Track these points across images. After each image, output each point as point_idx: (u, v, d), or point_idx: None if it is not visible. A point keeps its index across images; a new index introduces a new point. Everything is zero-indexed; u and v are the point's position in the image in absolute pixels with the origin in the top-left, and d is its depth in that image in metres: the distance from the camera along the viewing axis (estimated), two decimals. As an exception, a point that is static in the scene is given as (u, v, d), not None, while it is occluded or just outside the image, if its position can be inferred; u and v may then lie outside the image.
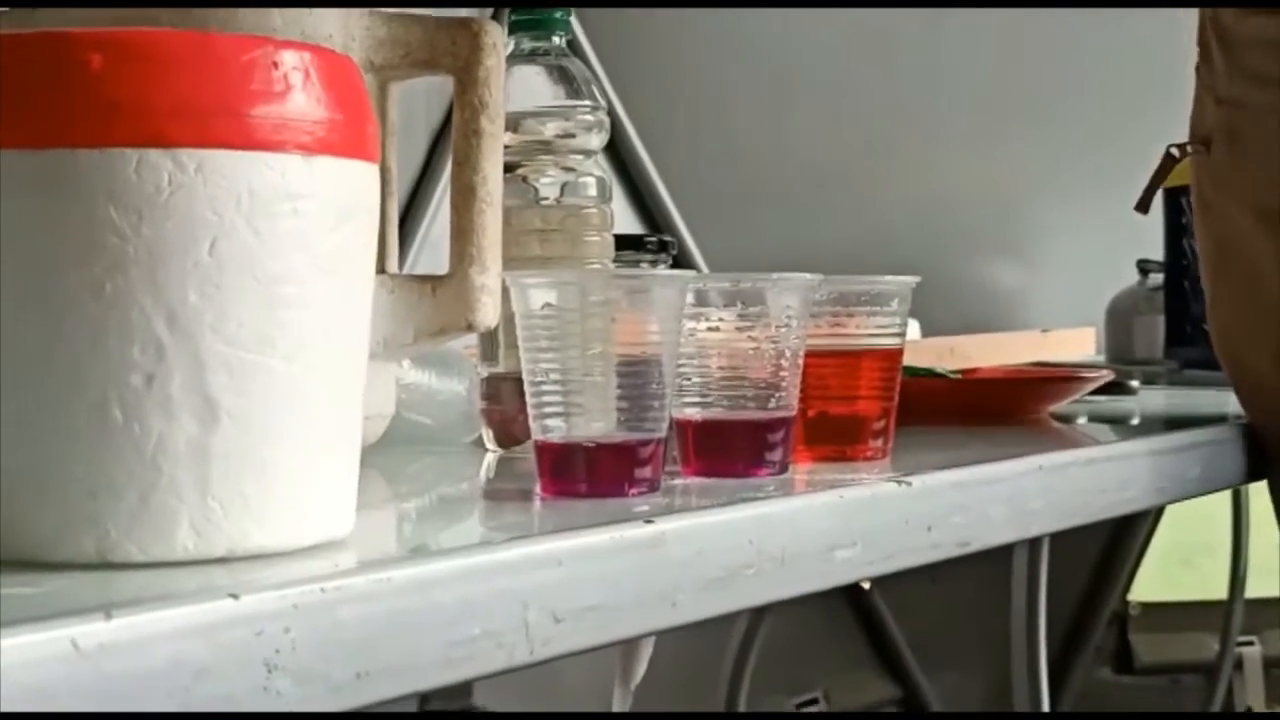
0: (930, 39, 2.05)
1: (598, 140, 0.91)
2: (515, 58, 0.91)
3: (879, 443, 0.83)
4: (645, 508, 0.64)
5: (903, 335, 0.84)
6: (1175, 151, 1.25)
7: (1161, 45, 2.12)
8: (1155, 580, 2.59)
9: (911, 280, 0.84)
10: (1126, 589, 2.56)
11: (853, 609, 2.19)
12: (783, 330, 0.76)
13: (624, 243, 1.02)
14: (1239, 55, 1.05)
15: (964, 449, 0.89)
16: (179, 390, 0.50)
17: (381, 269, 0.85)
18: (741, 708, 1.73)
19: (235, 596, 0.45)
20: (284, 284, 0.52)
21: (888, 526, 0.71)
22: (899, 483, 0.72)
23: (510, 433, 0.89)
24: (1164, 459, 0.95)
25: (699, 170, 1.93)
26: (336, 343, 0.54)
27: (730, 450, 0.76)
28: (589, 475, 0.68)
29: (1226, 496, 2.44)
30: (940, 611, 2.28)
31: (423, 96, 1.74)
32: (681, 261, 1.81)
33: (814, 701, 2.10)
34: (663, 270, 1.06)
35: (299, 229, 0.52)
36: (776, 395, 0.76)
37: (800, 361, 0.77)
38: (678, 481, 0.73)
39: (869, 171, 2.07)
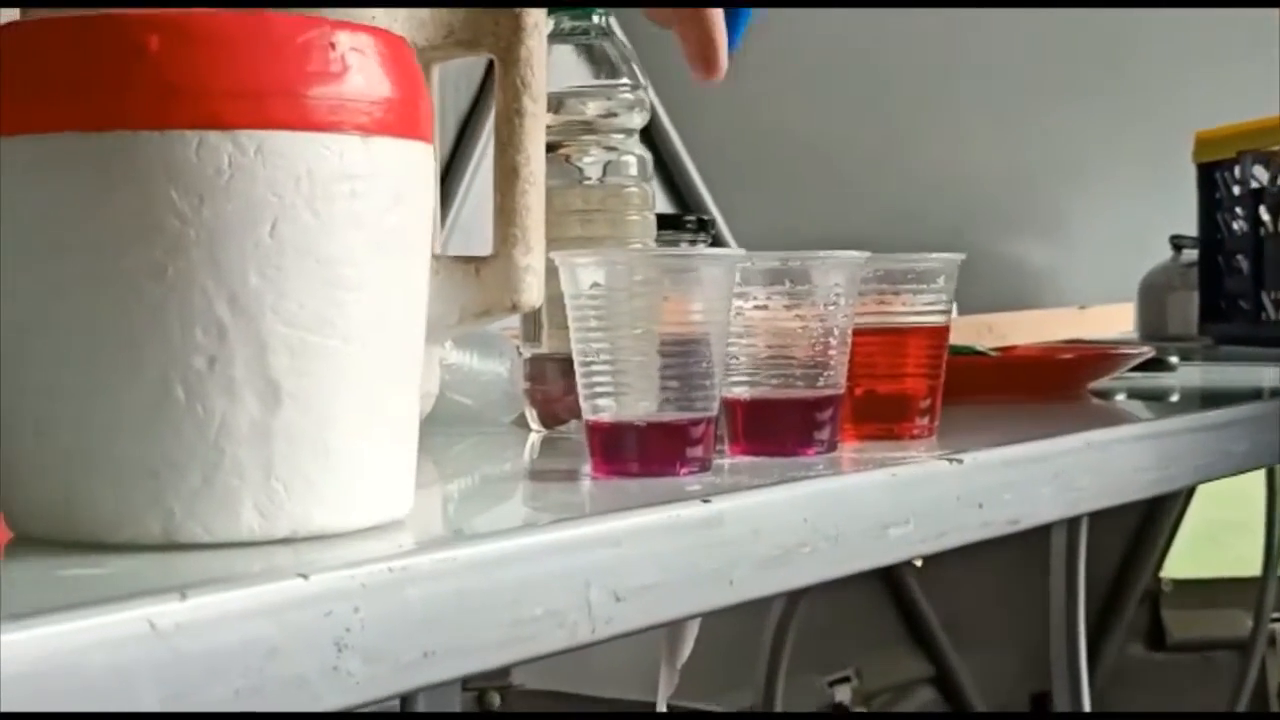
0: (963, 16, 2.04)
1: (639, 119, 0.91)
2: (554, 37, 0.91)
3: (926, 420, 0.82)
4: (698, 487, 0.64)
5: (949, 313, 0.84)
6: None
7: (1196, 20, 2.12)
8: (1188, 557, 2.59)
9: (957, 258, 0.83)
10: (1159, 566, 2.55)
11: (886, 587, 2.19)
12: (830, 308, 0.76)
13: (663, 222, 1.02)
14: None
15: (1009, 426, 0.89)
16: (241, 372, 0.50)
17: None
18: (779, 686, 1.73)
19: (305, 576, 0.45)
20: (343, 265, 0.52)
21: (940, 504, 0.71)
22: (950, 460, 0.72)
23: (554, 413, 0.89)
24: (1209, 435, 0.95)
25: (730, 151, 1.92)
26: (394, 323, 0.54)
27: (779, 429, 0.76)
28: (640, 455, 0.68)
29: (1260, 475, 2.43)
30: (972, 590, 2.28)
31: (451, 81, 1.74)
32: (715, 242, 1.80)
33: (846, 679, 2.11)
34: (709, 249, 1.06)
35: (357, 210, 0.52)
36: (825, 374, 0.76)
37: (849, 340, 0.77)
38: (726, 461, 0.73)
39: (900, 150, 2.06)
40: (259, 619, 0.43)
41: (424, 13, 0.82)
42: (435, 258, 0.84)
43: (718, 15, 0.83)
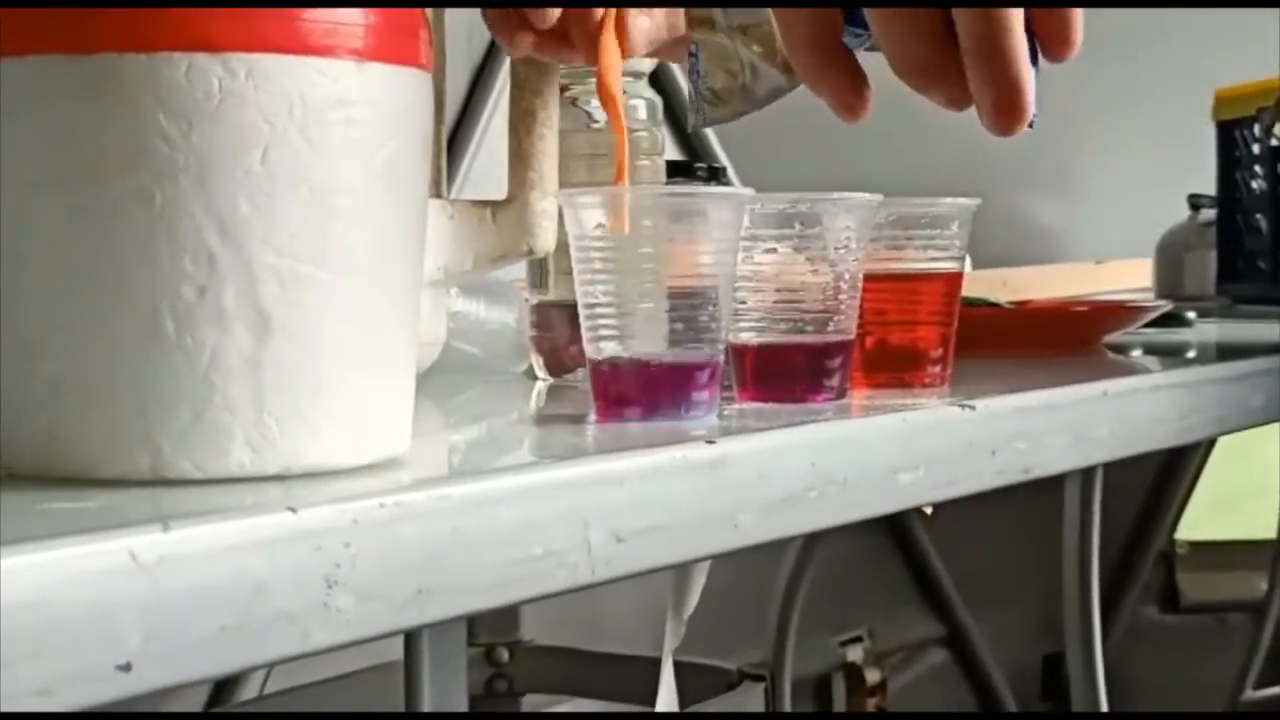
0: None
1: (648, 62, 0.89)
2: (563, -22, 0.89)
3: (938, 369, 0.81)
4: (703, 430, 0.62)
5: (963, 259, 0.82)
6: None
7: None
8: (1203, 519, 2.57)
9: (972, 203, 0.82)
10: (1174, 528, 2.54)
11: (898, 546, 2.18)
12: (841, 252, 0.75)
13: (674, 169, 1.00)
14: None
15: (1024, 377, 0.87)
16: (232, 302, 0.49)
17: (437, 194, 0.84)
18: (790, 645, 1.72)
19: (294, 510, 0.43)
20: (337, 195, 0.50)
21: (951, 451, 0.69)
22: (963, 407, 0.70)
23: (560, 361, 0.88)
24: (1227, 387, 0.93)
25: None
26: (391, 256, 0.52)
27: (787, 375, 0.74)
28: (645, 397, 0.67)
29: (1276, 437, 2.42)
30: (985, 550, 2.26)
31: (464, 30, 1.72)
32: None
33: (858, 639, 2.10)
34: (720, 189, 1.04)
35: (351, 137, 0.50)
36: (835, 319, 0.74)
37: (859, 285, 0.75)
38: (734, 407, 0.72)
39: (916, 101, 2.04)
40: (246, 553, 0.42)
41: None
42: (450, 201, 0.82)
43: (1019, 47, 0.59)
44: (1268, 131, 1.50)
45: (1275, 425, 2.35)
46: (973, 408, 0.70)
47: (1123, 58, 2.19)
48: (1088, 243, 2.09)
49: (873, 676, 2.10)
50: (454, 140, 1.70)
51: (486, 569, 0.49)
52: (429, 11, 0.59)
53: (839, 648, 2.08)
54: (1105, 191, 2.24)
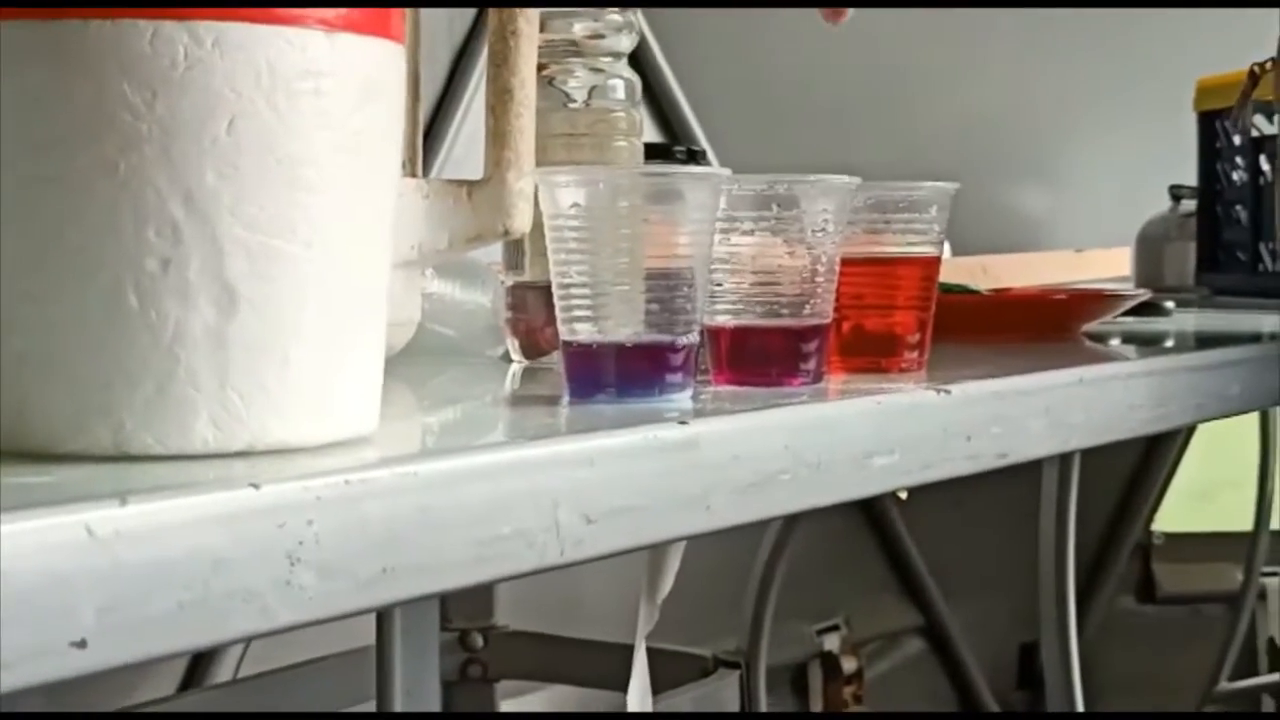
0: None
1: (627, 42, 0.88)
2: (542, -43, 0.88)
3: (915, 354, 0.80)
4: (676, 412, 0.62)
5: (940, 244, 0.82)
6: (1256, 69, 1.23)
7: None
8: (1180, 511, 2.58)
9: (951, 186, 0.81)
10: (1150, 519, 2.54)
11: (875, 535, 2.18)
12: (818, 236, 0.74)
13: (652, 152, 0.99)
14: None
15: (1001, 363, 0.87)
16: (196, 275, 0.48)
17: (413, 174, 0.83)
18: (765, 633, 1.72)
19: (256, 486, 0.43)
20: (305, 166, 0.49)
21: (926, 435, 0.69)
22: (938, 391, 0.70)
23: (536, 343, 0.87)
24: (1204, 375, 0.93)
25: (721, 83, 1.89)
26: (359, 230, 0.52)
27: (763, 358, 0.74)
28: (619, 379, 0.66)
29: (1254, 429, 2.42)
30: (963, 540, 2.26)
31: (444, 14, 1.71)
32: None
33: (835, 628, 2.09)
34: (696, 168, 1.03)
35: (320, 108, 0.50)
36: (811, 302, 0.74)
37: (836, 268, 0.75)
38: (710, 389, 0.71)
39: (899, 89, 2.03)
40: (205, 528, 0.41)
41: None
42: (426, 181, 0.81)
43: None
44: (1235, 124, 1.51)
45: (1252, 418, 2.35)
46: (948, 392, 0.70)
47: (1105, 48, 2.19)
48: (1069, 231, 2.09)
49: (849, 665, 2.10)
50: (435, 122, 1.69)
51: (453, 548, 0.48)
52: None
53: (815, 636, 2.08)
54: (1087, 180, 2.24)
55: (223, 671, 1.46)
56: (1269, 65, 1.14)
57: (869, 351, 0.80)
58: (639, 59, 1.82)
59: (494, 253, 0.89)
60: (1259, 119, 1.69)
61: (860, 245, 0.79)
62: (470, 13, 1.74)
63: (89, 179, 0.47)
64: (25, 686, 0.38)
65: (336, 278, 0.51)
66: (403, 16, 0.53)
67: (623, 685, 1.06)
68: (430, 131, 1.67)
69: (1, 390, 0.49)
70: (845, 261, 0.76)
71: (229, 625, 0.42)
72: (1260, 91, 1.37)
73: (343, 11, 0.50)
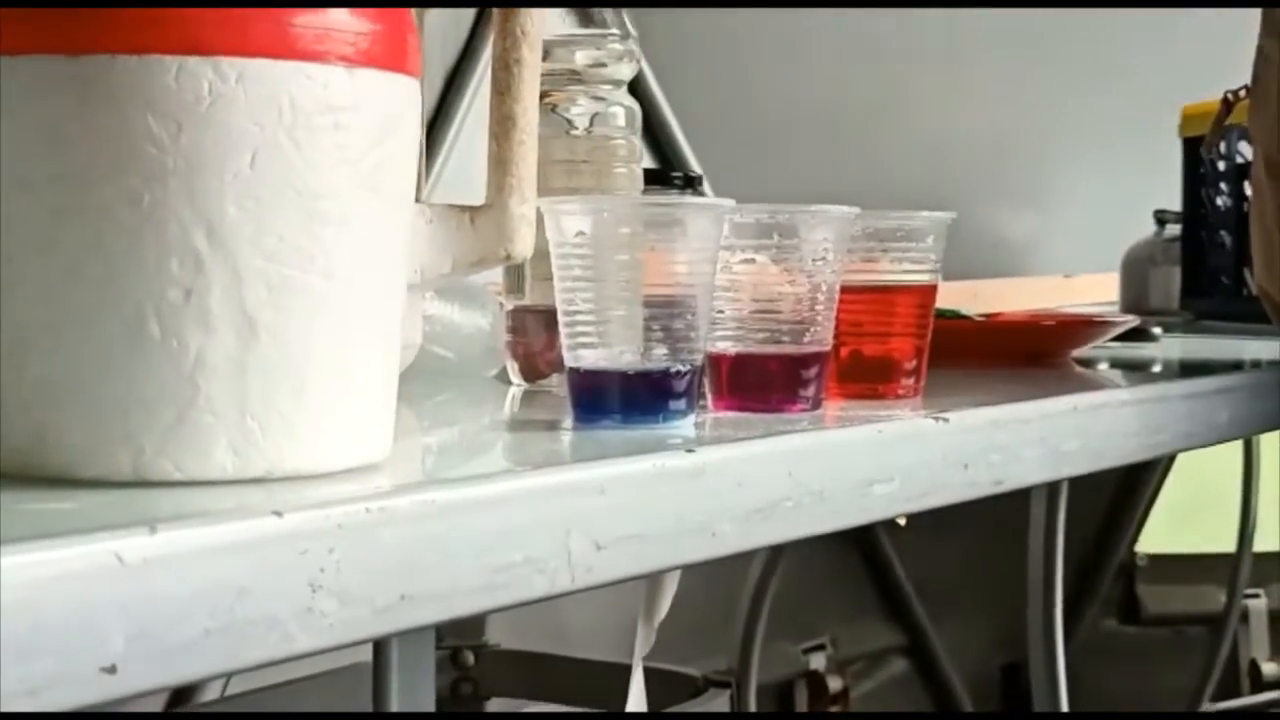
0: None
1: (627, 70, 0.89)
2: (544, -15, 0.89)
3: (911, 381, 0.81)
4: (681, 439, 0.63)
5: (937, 272, 0.83)
6: (1229, 96, 1.25)
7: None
8: (1163, 532, 2.59)
9: (947, 216, 0.82)
10: (1134, 541, 2.56)
11: (862, 556, 2.19)
12: (818, 264, 0.75)
13: (650, 178, 1.00)
14: (1272, 11, 1.05)
15: (994, 389, 0.88)
16: (217, 305, 0.49)
17: (417, 197, 0.84)
18: (755, 652, 1.73)
19: (279, 514, 0.44)
20: (324, 199, 0.50)
21: (925, 463, 0.70)
22: (937, 419, 0.71)
23: (535, 366, 0.88)
24: (1195, 403, 0.94)
25: (713, 110, 1.91)
26: (376, 262, 0.53)
27: (763, 385, 0.75)
28: (622, 403, 0.67)
29: (1237, 451, 2.44)
30: (948, 560, 2.28)
31: (438, 33, 1.72)
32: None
33: (821, 647, 2.10)
34: (697, 199, 1.05)
35: (340, 143, 0.50)
36: (811, 329, 0.75)
37: (836, 296, 0.76)
38: (709, 415, 0.72)
39: (887, 115, 2.05)
40: (231, 557, 0.42)
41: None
42: (429, 205, 0.82)
43: None
44: (1208, 151, 1.53)
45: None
46: (946, 420, 0.71)
47: (1092, 74, 2.21)
48: (1057, 256, 2.11)
49: (835, 684, 2.11)
50: (428, 141, 1.70)
51: (468, 575, 0.49)
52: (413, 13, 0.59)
53: (802, 655, 2.09)
54: (1075, 206, 2.26)
55: (211, 688, 1.46)
56: (1242, 93, 1.16)
57: (867, 378, 0.81)
58: (635, 88, 1.83)
59: (491, 274, 0.90)
60: (1243, 145, 1.71)
61: (858, 273, 0.80)
62: (462, 35, 1.75)
63: (114, 210, 0.48)
64: (56, 710, 0.39)
65: (353, 307, 0.52)
66: (420, 52, 0.54)
67: (613, 704, 1.07)
68: (425, 152, 1.67)
69: (23, 416, 0.50)
70: (844, 289, 0.77)
71: (252, 651, 0.43)
72: (1236, 116, 1.39)
73: (363, 48, 0.51)
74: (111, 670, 0.39)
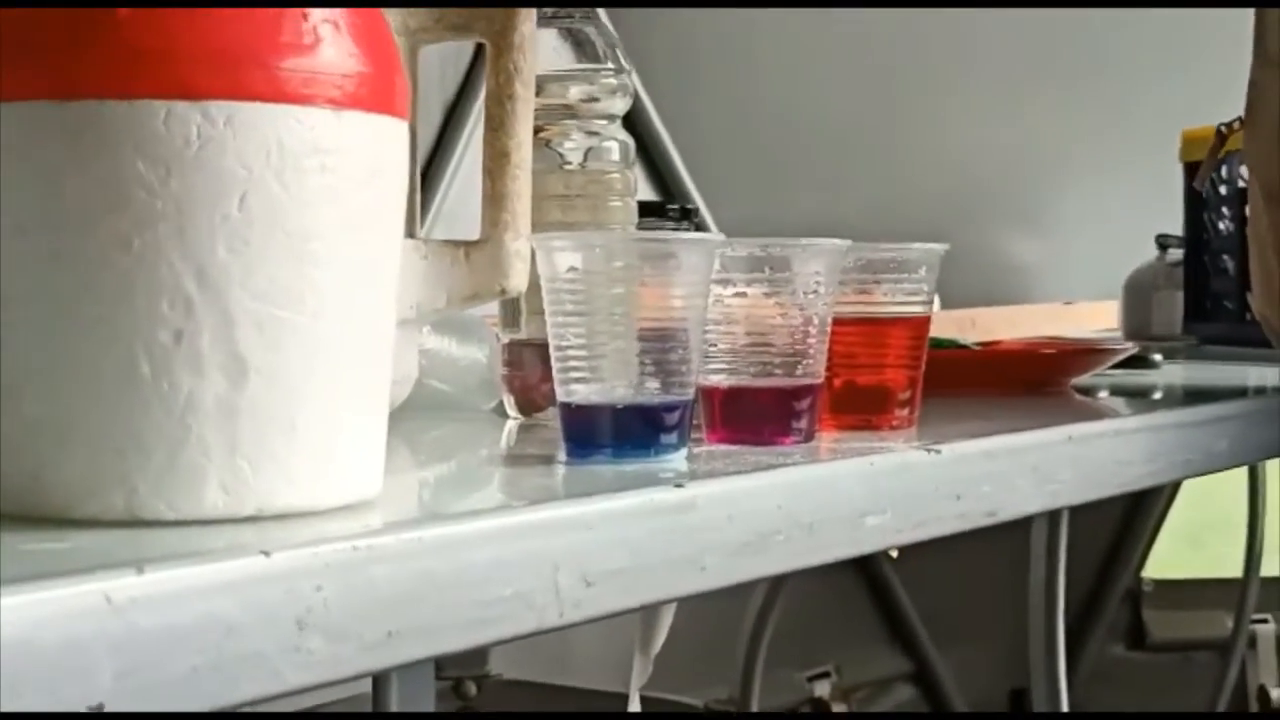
0: (954, 10, 2.03)
1: (621, 104, 0.90)
2: (539, 20, 0.90)
3: (905, 412, 0.82)
4: (672, 472, 0.63)
5: (930, 303, 0.83)
6: (1223, 129, 1.26)
7: (1185, 21, 2.11)
8: (1169, 558, 2.59)
9: (940, 248, 0.83)
10: (1140, 566, 2.56)
11: (866, 583, 2.19)
12: (810, 297, 0.76)
13: (646, 210, 1.01)
14: (1263, 38, 1.06)
15: (990, 419, 0.89)
16: (208, 347, 0.49)
17: (411, 234, 0.85)
18: (757, 680, 1.73)
19: (266, 554, 0.44)
20: (313, 240, 0.51)
21: (917, 494, 0.70)
22: (928, 450, 0.71)
23: (532, 399, 0.88)
24: (1192, 431, 0.94)
25: (714, 139, 1.92)
26: (366, 301, 0.53)
27: (757, 417, 0.75)
28: (614, 437, 0.67)
29: (1243, 476, 2.44)
30: (953, 586, 2.27)
31: (436, 67, 1.73)
32: (698, 230, 1.80)
33: (826, 675, 2.10)
34: (688, 234, 1.05)
35: (328, 184, 0.51)
36: (804, 362, 0.75)
37: (828, 329, 0.76)
38: (703, 449, 0.73)
39: (888, 143, 2.06)
40: (218, 595, 0.43)
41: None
42: (424, 241, 0.83)
43: None
44: (1201, 183, 1.54)
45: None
46: (938, 451, 0.71)
47: (1093, 99, 2.22)
48: (1057, 283, 2.11)
49: (840, 711, 2.11)
50: (427, 176, 1.71)
51: (456, 611, 0.49)
52: (401, 54, 0.60)
53: (806, 683, 2.08)
54: (1075, 232, 2.26)
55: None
56: (1236, 125, 1.17)
57: (861, 409, 0.82)
58: (633, 118, 1.84)
59: (490, 307, 0.91)
60: (1244, 169, 1.72)
61: (851, 305, 0.81)
62: (462, 68, 1.76)
63: (105, 253, 0.49)
64: (44, 751, 0.39)
65: (343, 347, 0.52)
66: (408, 92, 0.55)
67: (616, 735, 1.07)
68: (423, 186, 1.68)
69: (19, 457, 0.50)
70: (837, 321, 0.78)
71: (240, 689, 0.43)
72: (1231, 146, 1.40)
73: (350, 90, 0.51)
74: (99, 709, 0.40)
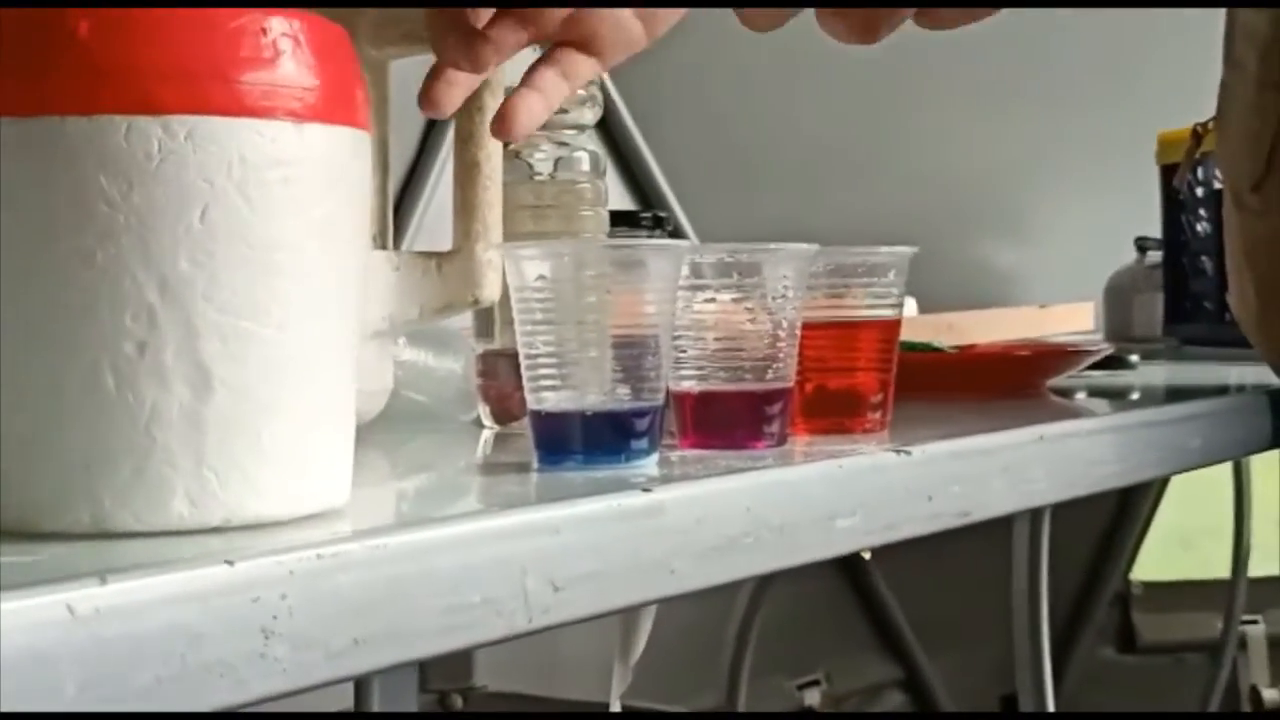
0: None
1: (591, 115, 0.91)
2: (508, 33, 0.90)
3: (877, 415, 0.82)
4: (642, 478, 0.63)
5: (900, 306, 0.84)
6: (1199, 129, 1.27)
7: (1161, 24, 2.12)
8: (1158, 560, 2.59)
9: (909, 251, 0.83)
10: (1129, 569, 2.56)
11: (854, 589, 2.19)
12: (779, 301, 0.76)
13: (618, 219, 1.02)
14: (1231, 40, 1.07)
15: (963, 421, 0.89)
16: (172, 358, 0.50)
17: (383, 246, 0.85)
18: (743, 688, 1.73)
19: (231, 563, 0.44)
20: (276, 251, 0.51)
21: (888, 496, 0.71)
22: (899, 452, 0.71)
23: (507, 409, 0.89)
24: (1164, 429, 0.95)
25: (691, 147, 1.92)
26: (330, 311, 0.54)
27: (728, 422, 0.76)
28: (585, 444, 0.68)
29: (1228, 477, 2.44)
30: (941, 592, 2.28)
31: (415, 80, 1.74)
32: (673, 238, 1.80)
33: (815, 683, 2.10)
34: (655, 240, 1.06)
35: (290, 196, 0.51)
36: (774, 367, 0.76)
37: (798, 333, 0.77)
38: (675, 454, 0.73)
39: (865, 148, 2.06)
40: (182, 605, 0.43)
41: (383, 11, 0.82)
42: (396, 253, 0.84)
43: None
44: (1180, 184, 1.55)
45: (1227, 465, 2.36)
46: (909, 453, 0.72)
47: (1069, 103, 2.23)
48: (1036, 287, 2.12)
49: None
50: (406, 191, 1.71)
51: (423, 618, 0.50)
52: (370, 67, 0.60)
53: (796, 691, 2.09)
54: (1053, 235, 2.27)
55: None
56: (1210, 125, 1.18)
57: (832, 413, 0.82)
58: (609, 126, 1.85)
59: (466, 318, 0.91)
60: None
61: (821, 309, 0.81)
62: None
63: (68, 268, 0.49)
64: (9, 761, 0.39)
65: (308, 357, 0.53)
66: (368, 104, 0.55)
67: (602, 745, 1.07)
68: (401, 201, 1.69)
69: (-16, 472, 0.50)
70: (807, 325, 0.78)
71: (205, 698, 0.44)
72: (1206, 146, 1.41)
73: (310, 103, 0.52)
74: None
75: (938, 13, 0.66)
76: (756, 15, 0.66)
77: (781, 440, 0.76)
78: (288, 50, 0.51)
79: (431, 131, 1.73)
